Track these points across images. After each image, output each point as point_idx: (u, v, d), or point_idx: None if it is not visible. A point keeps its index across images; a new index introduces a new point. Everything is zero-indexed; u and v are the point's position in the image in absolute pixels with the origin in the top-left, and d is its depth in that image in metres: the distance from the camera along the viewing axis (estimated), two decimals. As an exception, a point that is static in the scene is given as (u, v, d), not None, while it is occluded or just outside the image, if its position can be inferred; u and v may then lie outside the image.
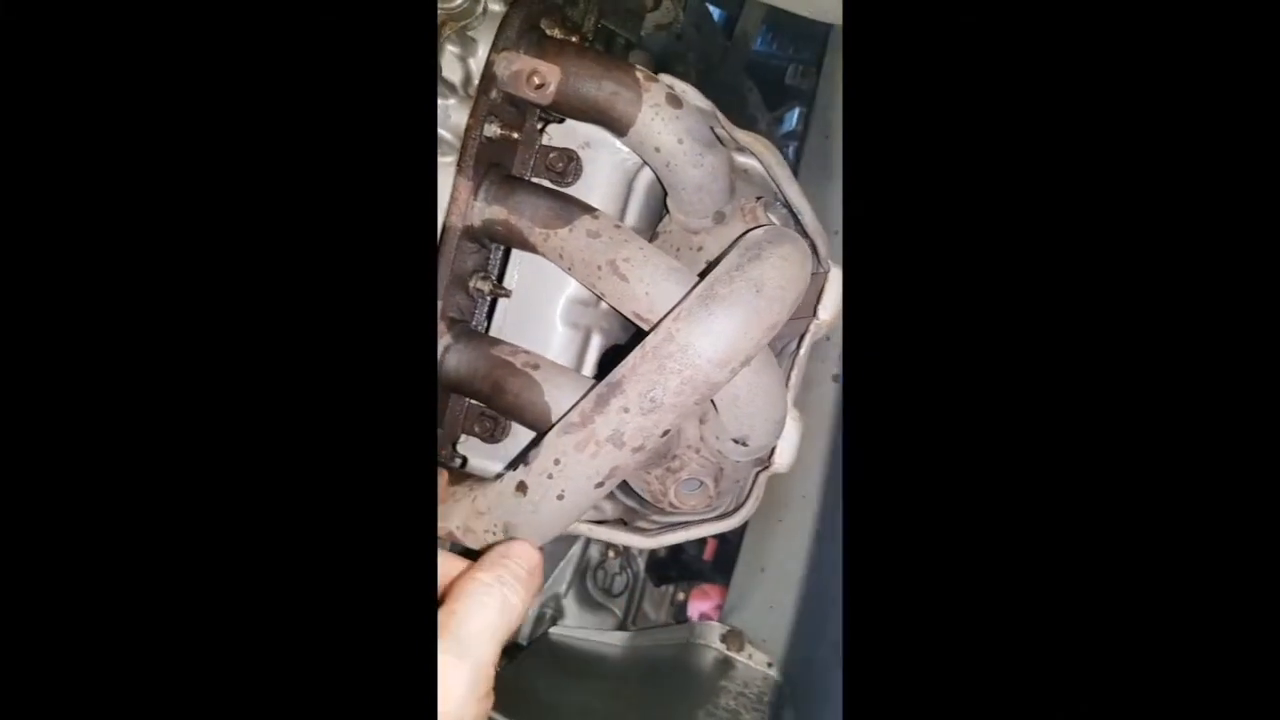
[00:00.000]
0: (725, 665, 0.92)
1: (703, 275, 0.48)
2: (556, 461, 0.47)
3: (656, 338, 0.45)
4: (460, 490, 0.55)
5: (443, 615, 0.37)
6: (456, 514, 0.54)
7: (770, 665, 0.91)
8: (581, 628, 0.99)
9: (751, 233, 0.49)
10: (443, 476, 0.55)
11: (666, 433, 0.46)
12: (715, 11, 1.14)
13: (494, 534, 0.51)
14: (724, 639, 0.93)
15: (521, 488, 0.49)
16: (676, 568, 1.08)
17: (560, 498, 0.48)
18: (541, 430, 0.55)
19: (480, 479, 0.57)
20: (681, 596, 1.07)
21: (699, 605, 1.09)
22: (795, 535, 0.88)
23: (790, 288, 0.45)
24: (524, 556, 0.40)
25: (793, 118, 1.21)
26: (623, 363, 0.47)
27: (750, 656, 0.94)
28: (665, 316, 0.46)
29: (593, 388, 0.49)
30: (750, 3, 1.01)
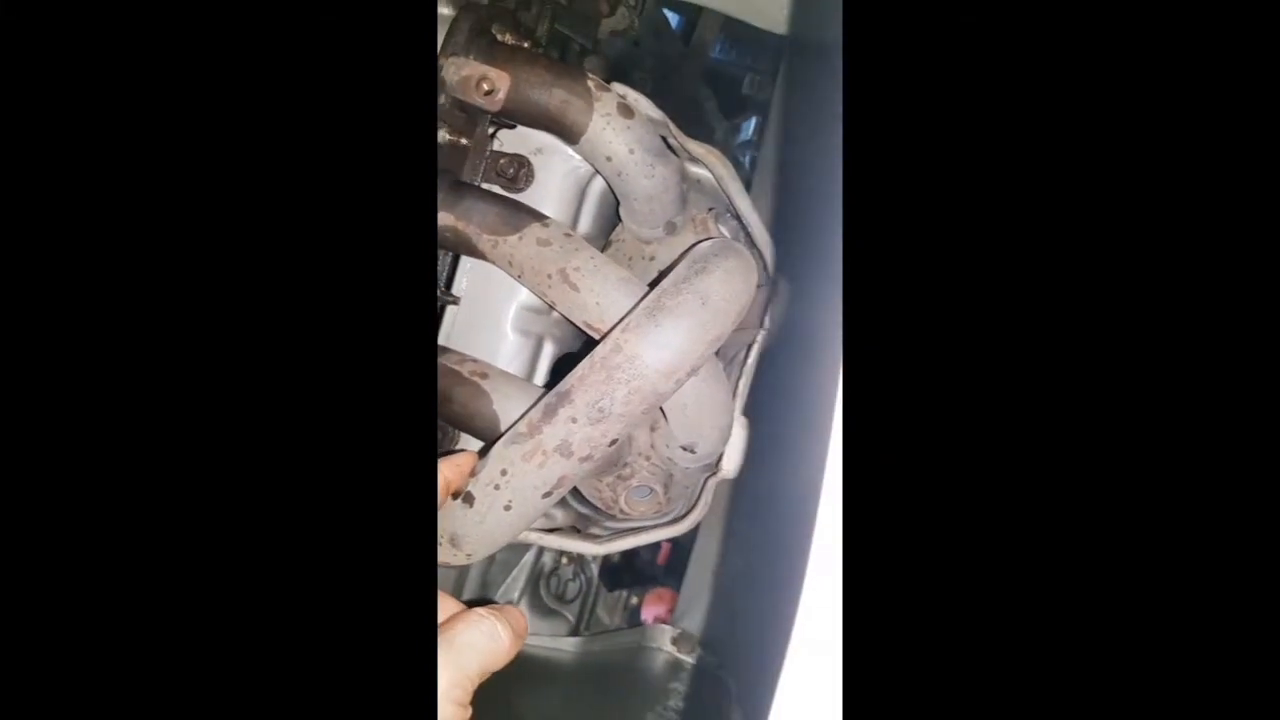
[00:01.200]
0: (676, 667, 0.92)
1: (653, 286, 0.48)
2: (503, 472, 0.47)
3: (604, 348, 0.46)
4: (406, 500, 0.55)
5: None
6: (401, 524, 0.53)
7: (720, 667, 0.92)
8: (535, 634, 0.98)
9: (699, 246, 0.49)
10: None
11: (614, 442, 0.46)
12: (673, 17, 1.15)
13: (440, 544, 0.50)
14: (675, 641, 0.94)
15: (468, 498, 0.48)
16: (630, 573, 1.08)
17: (507, 508, 0.47)
18: (489, 439, 0.55)
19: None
20: (635, 601, 1.07)
21: (652, 609, 1.09)
22: (741, 537, 0.89)
23: (735, 301, 0.46)
24: (518, 615, 0.43)
25: (749, 126, 1.22)
26: (571, 373, 0.47)
27: (700, 658, 0.95)
28: (614, 327, 0.46)
29: (541, 397, 0.49)
30: (707, 11, 1.02)
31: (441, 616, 0.42)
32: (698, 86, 1.05)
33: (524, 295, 0.64)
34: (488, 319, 0.64)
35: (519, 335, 0.65)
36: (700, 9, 1.02)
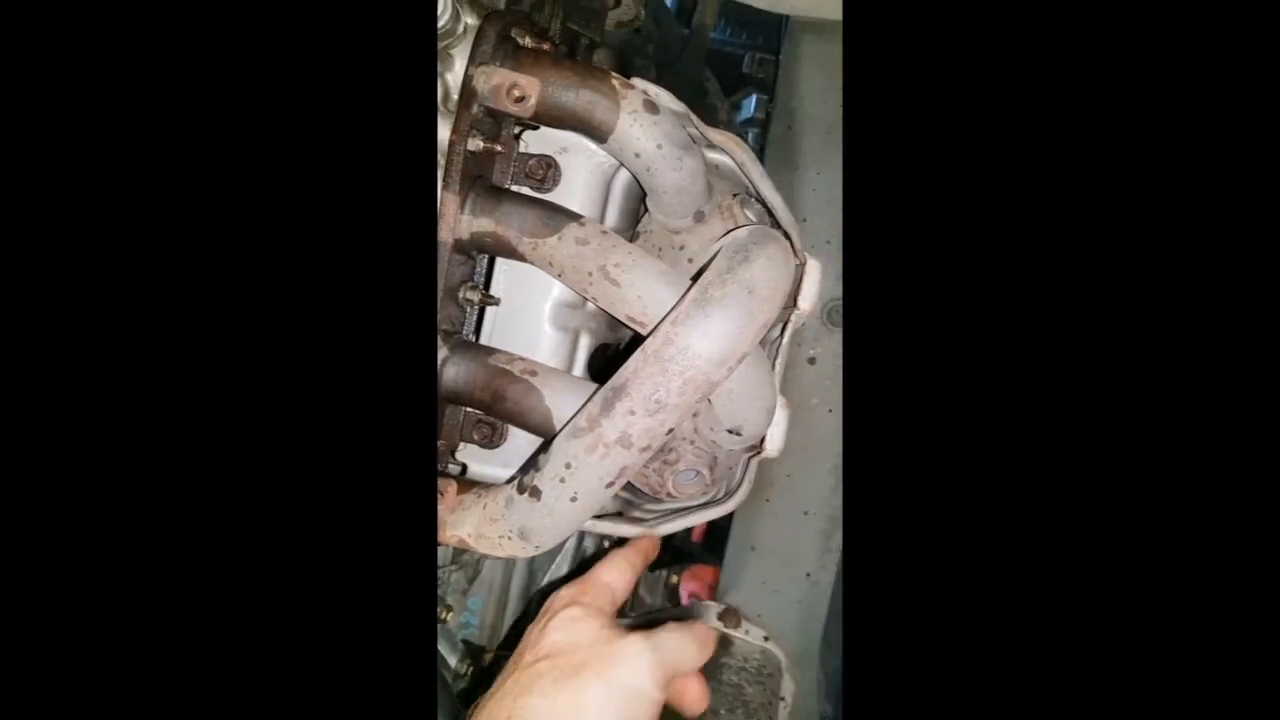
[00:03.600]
0: (724, 642, 0.95)
1: (695, 278, 0.50)
2: (568, 465, 0.49)
3: (656, 341, 0.47)
4: (468, 498, 0.57)
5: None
6: (467, 521, 0.56)
7: (767, 639, 0.95)
8: (538, 590, 1.01)
9: (736, 234, 0.51)
10: (450, 486, 0.56)
11: (670, 431, 0.48)
12: (669, 1, 1.15)
13: (509, 538, 0.53)
14: (721, 617, 0.97)
15: (535, 492, 0.50)
16: (668, 552, 1.11)
17: (574, 499, 0.50)
18: (544, 434, 0.57)
19: (486, 486, 0.58)
20: (674, 579, 1.10)
21: (691, 586, 1.12)
22: (782, 513, 0.91)
23: (779, 286, 0.47)
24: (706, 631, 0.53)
25: (750, 104, 1.23)
26: (624, 366, 0.49)
27: (747, 632, 0.98)
28: (663, 320, 0.48)
29: (595, 391, 0.51)
30: (705, -7, 1.02)
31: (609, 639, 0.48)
32: (700, 69, 1.06)
33: (558, 291, 0.65)
34: (526, 317, 0.65)
35: (557, 330, 0.67)
36: (699, -8, 1.02)
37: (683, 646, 0.47)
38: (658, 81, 0.59)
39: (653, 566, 1.12)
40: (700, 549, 1.13)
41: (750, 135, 1.25)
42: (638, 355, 0.48)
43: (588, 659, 0.46)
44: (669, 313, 0.48)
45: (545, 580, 1.01)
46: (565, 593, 0.53)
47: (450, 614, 0.88)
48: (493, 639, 0.95)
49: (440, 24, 0.49)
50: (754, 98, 1.23)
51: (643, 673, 0.45)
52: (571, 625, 0.49)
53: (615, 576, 0.55)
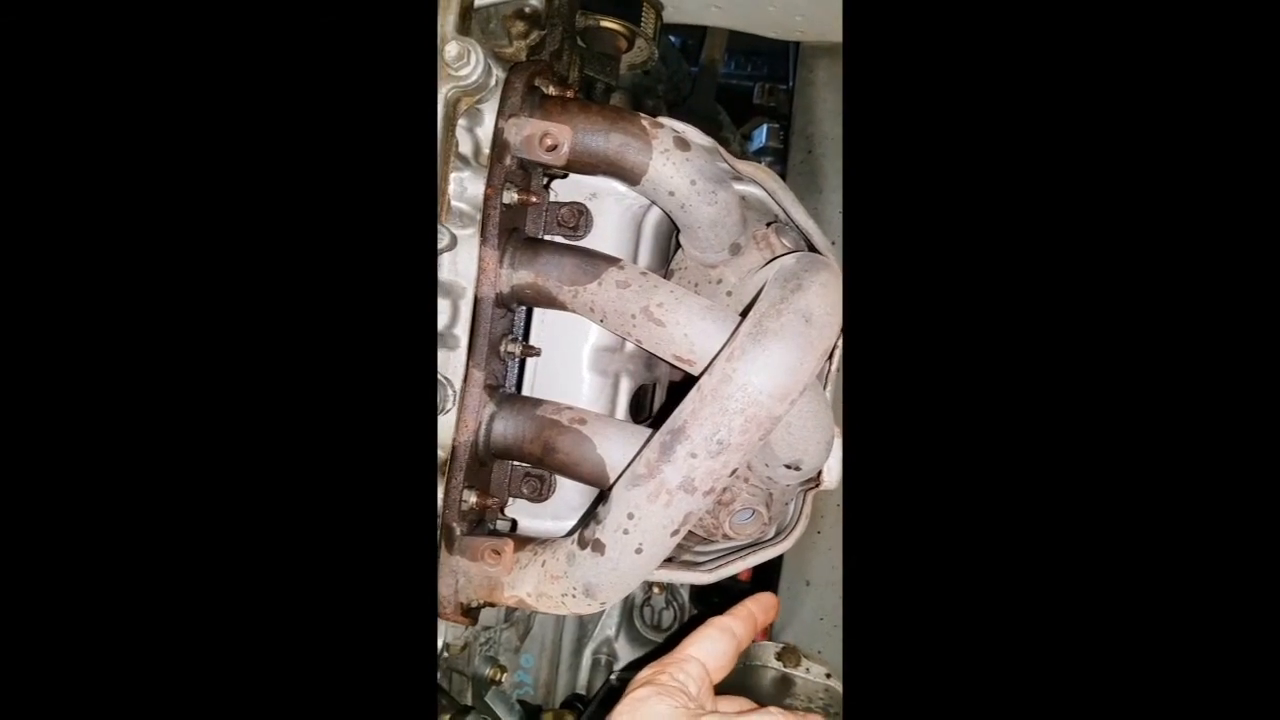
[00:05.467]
0: (785, 683, 0.91)
1: (744, 312, 0.49)
2: (630, 515, 0.47)
3: (713, 379, 0.46)
4: (524, 556, 0.55)
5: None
6: (527, 581, 0.54)
7: (829, 675, 0.91)
8: (623, 668, 0.98)
9: (784, 262, 0.50)
10: (507, 545, 0.54)
11: (734, 472, 0.47)
12: (674, 38, 1.17)
13: (573, 596, 0.51)
14: (779, 657, 0.93)
15: (597, 546, 0.49)
16: (719, 593, 1.07)
17: (639, 551, 0.48)
18: (598, 484, 0.55)
19: (541, 542, 0.56)
20: (728, 621, 1.06)
21: (745, 626, 1.08)
22: (836, 545, 0.88)
23: (835, 313, 0.46)
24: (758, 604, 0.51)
25: (762, 134, 1.23)
26: (680, 408, 0.47)
27: (808, 670, 0.94)
28: (718, 356, 0.47)
29: (650, 436, 0.49)
30: (712, 30, 1.03)
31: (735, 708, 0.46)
32: (711, 105, 1.07)
33: (594, 336, 0.65)
34: (565, 365, 0.64)
35: (596, 375, 0.66)
36: (705, 30, 1.04)
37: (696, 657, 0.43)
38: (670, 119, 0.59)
39: (706, 610, 1.09)
40: (749, 587, 1.09)
41: (764, 164, 1.26)
42: (694, 395, 0.47)
43: None
44: (723, 348, 0.47)
45: (595, 633, 0.98)
46: (644, 672, 0.49)
47: (504, 674, 0.85)
48: (548, 698, 0.92)
49: (472, 79, 0.50)
50: (765, 127, 1.24)
51: None
52: (638, 709, 0.45)
53: (707, 649, 0.49)
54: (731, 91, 1.28)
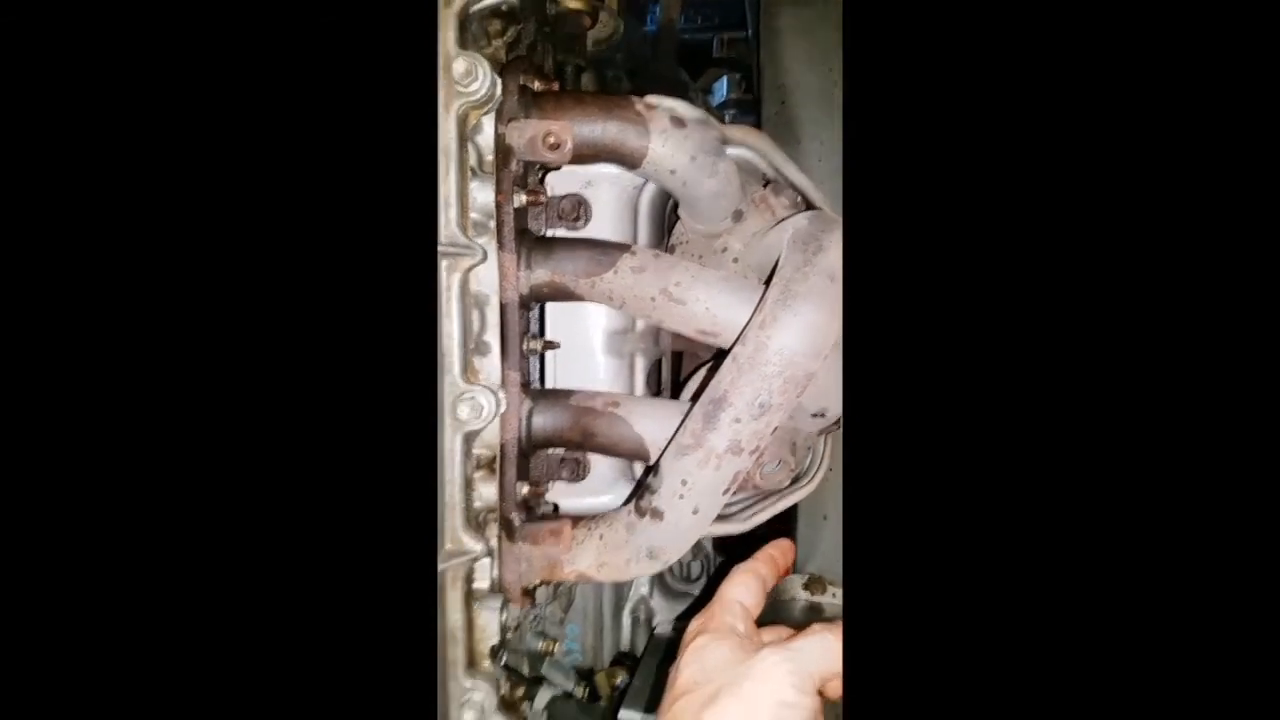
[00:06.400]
0: (815, 610, 0.98)
1: (767, 281, 0.51)
2: (684, 482, 0.51)
3: (748, 348, 0.49)
4: (579, 533, 0.58)
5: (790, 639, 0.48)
6: (586, 555, 0.57)
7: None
8: (676, 619, 1.04)
9: (797, 225, 0.53)
10: (565, 525, 0.58)
11: (775, 429, 0.50)
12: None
13: (638, 560, 0.55)
14: (806, 587, 1.00)
15: (655, 514, 0.52)
16: (739, 539, 1.13)
17: (695, 512, 0.52)
18: (640, 458, 0.59)
19: (592, 518, 0.60)
20: (753, 564, 1.12)
21: (769, 565, 1.15)
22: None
23: (850, 271, 0.49)
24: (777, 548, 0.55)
25: (723, 87, 1.24)
26: (717, 378, 0.51)
27: (834, 595, 1.00)
28: (749, 325, 0.50)
29: (691, 408, 0.52)
30: (665, -10, 1.02)
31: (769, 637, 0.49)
32: (673, 67, 1.07)
33: (605, 320, 0.67)
34: (581, 352, 0.67)
35: (612, 358, 0.68)
36: (657, -9, 1.03)
37: (825, 646, 0.45)
38: (635, 89, 0.60)
39: (728, 554, 1.15)
40: (766, 530, 1.15)
41: (728, 118, 1.26)
42: (729, 365, 0.50)
43: (722, 684, 0.44)
44: (753, 316, 0.50)
45: (630, 590, 1.03)
46: (694, 624, 0.52)
47: (555, 644, 0.90)
48: (596, 660, 0.97)
49: (480, 93, 0.50)
50: (724, 79, 1.24)
51: (783, 684, 0.43)
52: (701, 655, 0.47)
53: (742, 591, 0.52)
54: (687, 46, 1.27)
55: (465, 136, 0.52)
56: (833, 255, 0.48)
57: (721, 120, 1.30)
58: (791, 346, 0.47)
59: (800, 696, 0.43)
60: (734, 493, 0.69)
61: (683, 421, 0.52)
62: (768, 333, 0.48)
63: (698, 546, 1.11)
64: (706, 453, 0.50)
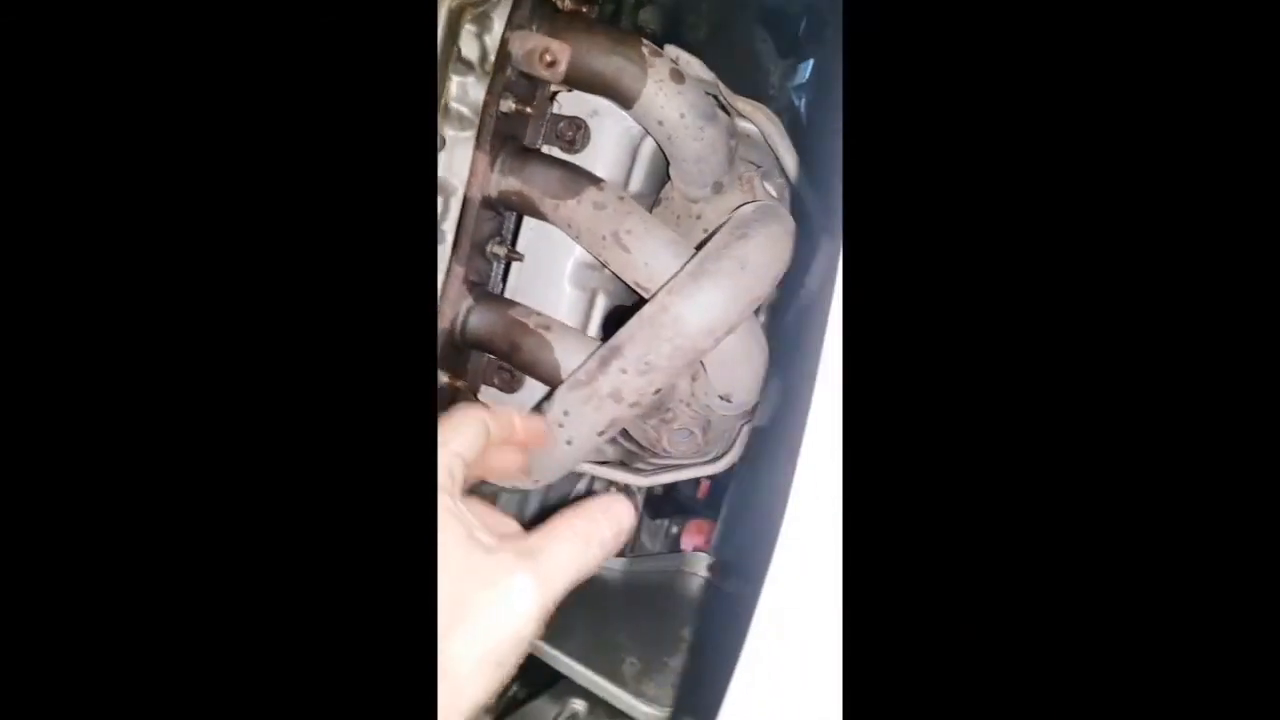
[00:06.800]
0: (710, 590, 1.01)
1: (699, 248, 0.52)
2: (565, 413, 0.54)
3: (652, 308, 0.51)
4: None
5: (532, 542, 0.38)
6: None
7: (746, 591, 1.00)
8: None
9: (742, 210, 0.53)
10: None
11: (658, 391, 0.52)
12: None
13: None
14: (710, 568, 1.03)
15: (533, 435, 0.55)
16: (671, 504, 1.16)
17: (569, 443, 0.54)
18: (551, 383, 0.62)
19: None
20: (675, 530, 1.16)
21: (692, 539, 1.18)
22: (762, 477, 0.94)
23: (773, 266, 0.50)
24: (616, 507, 0.42)
25: (806, 69, 1.20)
26: (622, 329, 0.52)
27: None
28: (660, 288, 0.51)
29: (597, 349, 0.55)
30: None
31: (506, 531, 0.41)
32: (752, 30, 1.04)
33: (580, 252, 0.69)
34: (548, 274, 0.69)
35: (576, 289, 0.71)
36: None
37: (570, 555, 0.37)
38: (708, 41, 0.60)
39: (657, 516, 1.18)
40: (703, 506, 1.18)
41: (803, 101, 1.23)
42: (634, 320, 0.52)
43: (466, 596, 0.35)
44: (667, 282, 0.51)
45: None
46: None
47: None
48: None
49: (479, -9, 0.52)
50: (810, 62, 1.20)
51: (530, 617, 0.35)
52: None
53: (463, 442, 0.41)
54: (789, 22, 1.23)
55: (455, 28, 0.54)
56: (752, 245, 0.49)
57: (794, 104, 1.27)
58: (685, 318, 0.49)
59: (540, 626, 0.37)
60: (648, 453, 0.72)
61: (585, 360, 0.55)
62: (671, 299, 0.50)
63: (628, 496, 1.14)
64: (591, 391, 0.52)
